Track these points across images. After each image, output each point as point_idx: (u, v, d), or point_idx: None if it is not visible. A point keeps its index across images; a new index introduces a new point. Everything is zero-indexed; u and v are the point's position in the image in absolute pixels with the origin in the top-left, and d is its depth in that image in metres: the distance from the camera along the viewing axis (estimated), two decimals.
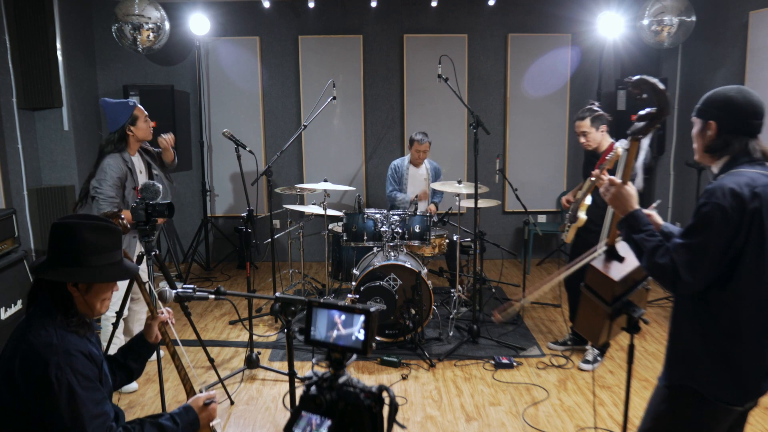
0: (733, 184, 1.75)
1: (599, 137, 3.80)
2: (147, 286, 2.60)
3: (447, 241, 4.87)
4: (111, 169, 3.53)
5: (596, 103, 3.88)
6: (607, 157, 3.65)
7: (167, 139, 3.89)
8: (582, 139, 3.85)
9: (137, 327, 3.82)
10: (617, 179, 1.99)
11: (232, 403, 3.49)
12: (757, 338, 1.81)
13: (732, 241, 1.75)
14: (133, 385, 3.68)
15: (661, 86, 1.91)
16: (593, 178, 3.55)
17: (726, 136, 1.86)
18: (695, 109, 1.95)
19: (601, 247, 2.18)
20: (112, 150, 3.60)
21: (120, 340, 3.53)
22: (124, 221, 2.68)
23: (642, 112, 1.96)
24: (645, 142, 2.10)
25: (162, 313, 2.25)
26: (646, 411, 2.04)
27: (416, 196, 5.16)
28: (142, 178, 3.79)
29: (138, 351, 2.18)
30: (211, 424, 2.08)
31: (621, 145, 3.63)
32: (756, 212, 1.75)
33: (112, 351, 2.34)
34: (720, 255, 1.75)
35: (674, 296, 1.96)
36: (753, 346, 1.81)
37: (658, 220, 2.09)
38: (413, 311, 4.11)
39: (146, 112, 3.74)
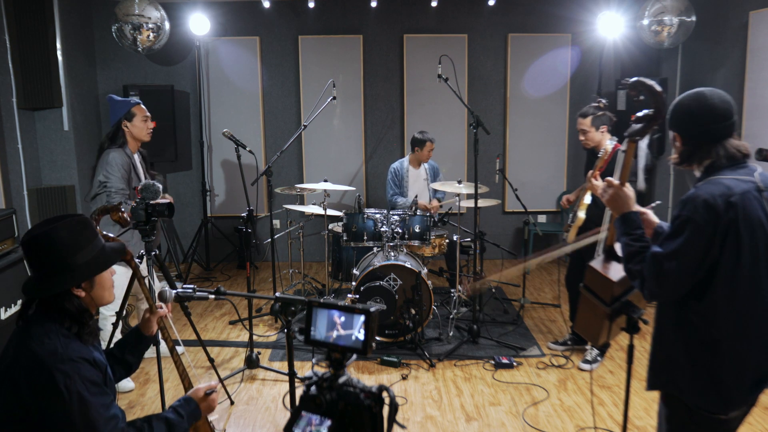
0: (707, 195, 1.72)
1: (598, 137, 3.80)
2: (147, 281, 2.60)
3: (447, 241, 4.87)
4: (116, 161, 3.58)
5: (603, 101, 3.86)
6: (599, 155, 3.67)
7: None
8: (581, 137, 3.85)
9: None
10: (615, 180, 1.98)
11: (232, 403, 3.50)
12: (736, 350, 1.76)
13: (707, 253, 1.72)
14: (129, 384, 3.68)
15: (658, 88, 1.91)
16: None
17: (689, 146, 1.86)
18: (666, 120, 1.95)
19: (603, 233, 2.18)
20: (110, 146, 3.65)
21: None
22: (125, 215, 2.68)
23: (639, 114, 1.97)
24: (643, 144, 2.11)
25: (161, 307, 2.25)
26: (657, 421, 2.03)
27: (416, 196, 5.16)
28: (142, 176, 3.82)
29: (135, 345, 2.18)
30: (209, 419, 2.07)
31: (609, 144, 3.66)
32: (731, 223, 1.71)
33: None
34: (693, 266, 1.73)
35: (657, 303, 1.94)
36: (732, 358, 1.77)
37: (654, 218, 2.08)
38: (413, 311, 4.11)
39: (148, 114, 3.76)
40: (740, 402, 1.82)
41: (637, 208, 1.97)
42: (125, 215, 2.66)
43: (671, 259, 1.73)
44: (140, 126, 3.72)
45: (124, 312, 3.40)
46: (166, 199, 3.58)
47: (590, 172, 3.63)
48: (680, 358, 1.83)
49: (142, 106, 3.75)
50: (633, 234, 1.87)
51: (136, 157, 3.80)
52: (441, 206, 5.28)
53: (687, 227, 1.72)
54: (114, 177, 3.56)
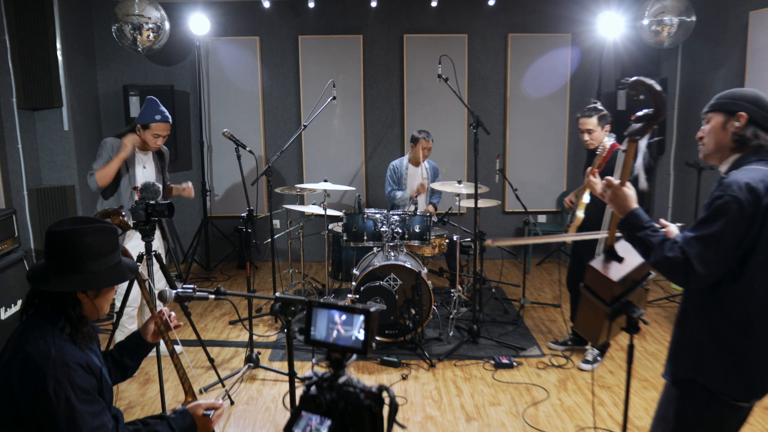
0: (748, 179, 1.77)
1: (603, 136, 3.81)
2: (147, 284, 2.60)
3: (447, 241, 4.87)
4: (107, 145, 3.75)
5: (599, 103, 3.87)
6: (597, 152, 3.67)
7: (184, 188, 4.06)
8: (586, 137, 3.82)
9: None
10: (615, 180, 1.99)
11: (232, 403, 3.50)
12: (766, 332, 1.82)
13: (745, 235, 1.76)
14: None
15: (658, 87, 1.91)
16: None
17: (754, 128, 1.87)
18: (714, 105, 1.95)
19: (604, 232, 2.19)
20: (117, 135, 3.82)
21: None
22: (125, 218, 2.68)
23: (639, 114, 1.97)
24: (642, 144, 2.10)
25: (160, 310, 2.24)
26: (656, 413, 2.03)
27: (416, 193, 5.15)
28: (142, 172, 3.84)
29: (134, 349, 2.17)
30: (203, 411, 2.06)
31: (607, 141, 3.67)
32: None
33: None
34: (733, 248, 1.77)
35: (684, 292, 1.98)
36: (763, 340, 1.82)
37: (675, 230, 2.10)
38: (413, 311, 4.11)
39: (163, 134, 3.83)
40: (762, 389, 1.87)
41: (662, 222, 2.03)
42: (125, 219, 2.67)
43: (717, 239, 1.76)
44: (149, 139, 3.81)
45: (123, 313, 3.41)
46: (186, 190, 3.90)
47: (588, 168, 3.64)
48: (706, 343, 1.86)
49: (163, 125, 3.81)
50: (648, 226, 1.90)
51: (138, 153, 3.86)
52: (436, 212, 5.27)
53: (731, 208, 1.75)
54: (99, 163, 3.71)
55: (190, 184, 4.04)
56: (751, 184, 1.76)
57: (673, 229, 2.11)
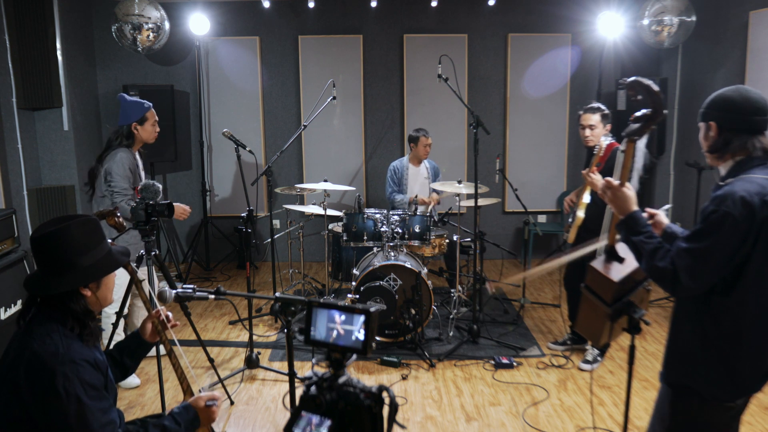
0: (743, 192, 1.75)
1: (603, 134, 3.82)
2: (146, 285, 2.59)
3: (447, 241, 4.87)
4: (124, 162, 3.63)
5: (600, 105, 3.89)
6: (594, 152, 3.68)
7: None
8: (587, 132, 3.82)
9: (139, 322, 3.83)
10: (614, 181, 1.99)
11: (232, 403, 3.50)
12: (757, 342, 1.83)
13: (738, 249, 1.75)
14: (135, 381, 3.70)
15: (656, 88, 1.92)
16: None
17: (726, 134, 1.87)
18: (699, 114, 1.97)
19: (602, 241, 2.19)
20: (121, 144, 3.71)
21: (121, 337, 3.54)
22: (120, 219, 2.68)
23: (637, 114, 1.98)
24: (641, 144, 2.10)
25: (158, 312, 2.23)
26: (654, 412, 2.04)
27: (416, 196, 5.16)
28: (143, 172, 3.85)
29: (133, 349, 2.17)
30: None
31: (604, 141, 3.68)
32: (765, 221, 1.76)
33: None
34: (724, 261, 1.76)
35: (675, 298, 1.98)
36: (753, 350, 1.84)
37: (664, 220, 2.11)
38: (413, 311, 4.10)
39: (157, 118, 3.82)
40: (750, 390, 1.89)
41: (649, 210, 2.01)
42: (121, 220, 2.67)
43: (707, 253, 1.75)
44: (150, 130, 3.79)
45: (124, 312, 3.40)
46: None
47: (586, 170, 3.65)
48: (697, 351, 1.87)
49: (153, 111, 3.80)
50: (645, 231, 1.90)
51: (137, 157, 3.83)
52: (439, 202, 5.28)
53: (725, 222, 1.74)
54: (118, 177, 3.60)
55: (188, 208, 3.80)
56: (746, 198, 1.73)
57: (662, 218, 2.11)
